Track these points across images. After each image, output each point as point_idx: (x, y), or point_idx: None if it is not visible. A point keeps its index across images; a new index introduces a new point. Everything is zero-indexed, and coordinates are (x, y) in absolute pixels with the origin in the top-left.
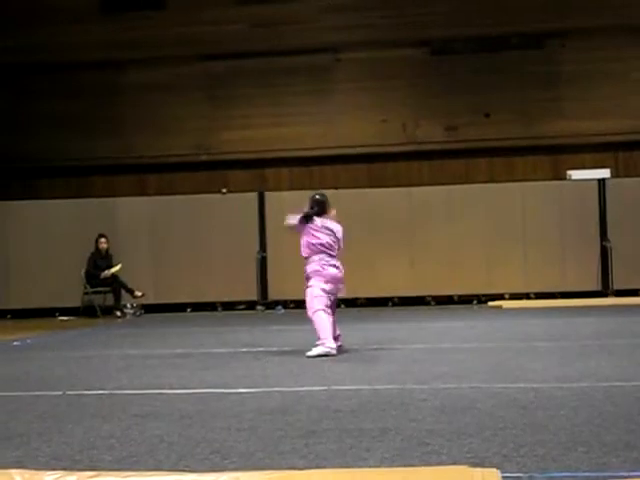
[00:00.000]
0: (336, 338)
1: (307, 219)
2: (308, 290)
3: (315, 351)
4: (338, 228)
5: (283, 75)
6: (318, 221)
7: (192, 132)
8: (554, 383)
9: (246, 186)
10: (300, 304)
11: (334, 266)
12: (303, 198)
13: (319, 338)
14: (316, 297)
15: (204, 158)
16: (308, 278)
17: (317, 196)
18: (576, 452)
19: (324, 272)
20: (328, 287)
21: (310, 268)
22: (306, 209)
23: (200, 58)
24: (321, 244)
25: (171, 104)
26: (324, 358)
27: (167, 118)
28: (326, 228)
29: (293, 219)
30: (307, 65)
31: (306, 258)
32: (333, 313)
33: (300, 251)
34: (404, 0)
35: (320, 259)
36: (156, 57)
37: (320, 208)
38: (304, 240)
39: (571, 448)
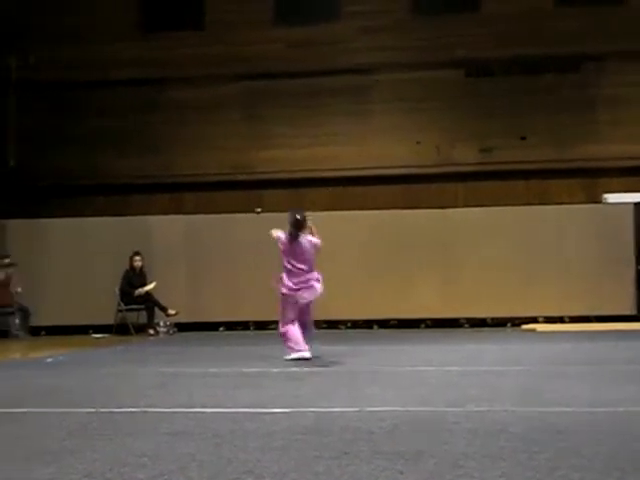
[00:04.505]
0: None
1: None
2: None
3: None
4: None
5: (319, 95)
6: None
7: (229, 151)
8: (588, 408)
9: (281, 206)
10: (332, 324)
11: None
12: (338, 218)
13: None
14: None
15: (242, 178)
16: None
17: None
18: (611, 477)
19: None
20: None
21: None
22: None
23: (237, 78)
24: None
25: (208, 123)
26: (358, 379)
27: (204, 137)
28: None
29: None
30: (343, 86)
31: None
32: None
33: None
34: (440, 22)
35: None
36: (194, 76)
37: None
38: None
39: (605, 473)
